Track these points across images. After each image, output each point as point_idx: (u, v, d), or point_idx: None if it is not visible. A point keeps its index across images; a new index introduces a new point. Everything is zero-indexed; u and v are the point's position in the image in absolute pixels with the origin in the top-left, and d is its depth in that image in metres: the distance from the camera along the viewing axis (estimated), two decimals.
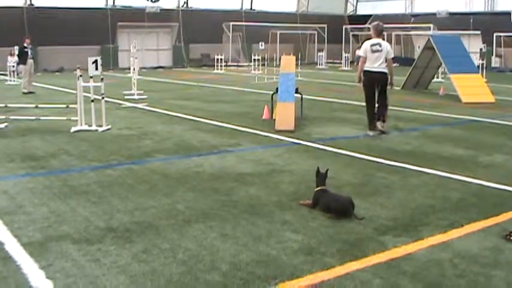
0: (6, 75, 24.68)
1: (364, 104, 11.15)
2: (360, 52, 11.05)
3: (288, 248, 4.85)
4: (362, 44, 11.12)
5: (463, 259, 4.62)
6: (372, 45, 10.71)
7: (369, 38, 11.04)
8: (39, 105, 13.35)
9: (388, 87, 10.87)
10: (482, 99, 16.34)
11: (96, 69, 11.24)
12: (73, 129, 11.08)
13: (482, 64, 23.26)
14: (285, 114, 11.53)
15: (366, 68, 10.74)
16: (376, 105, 10.86)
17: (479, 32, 34.85)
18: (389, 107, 11.31)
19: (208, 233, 5.22)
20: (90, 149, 9.37)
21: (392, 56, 11.02)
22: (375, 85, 10.75)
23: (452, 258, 4.63)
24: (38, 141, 10.10)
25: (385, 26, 12.13)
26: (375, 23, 11.25)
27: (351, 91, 19.28)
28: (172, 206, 6.11)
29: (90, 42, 32.30)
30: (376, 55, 10.66)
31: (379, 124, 10.83)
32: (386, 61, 10.70)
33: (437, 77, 22.97)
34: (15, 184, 7.04)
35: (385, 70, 10.71)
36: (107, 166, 8.10)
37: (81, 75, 11.25)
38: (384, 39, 11.18)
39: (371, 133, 10.79)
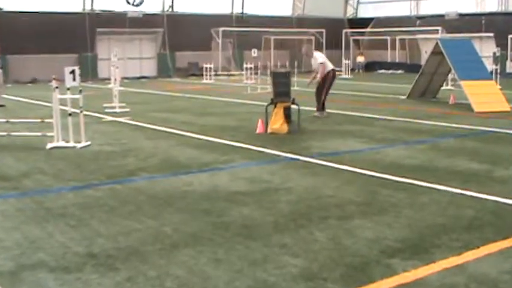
0: None
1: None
2: (320, 59, 15.41)
3: (287, 274, 4.84)
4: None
5: (480, 284, 4.62)
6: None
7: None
8: (11, 120, 13.31)
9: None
10: (496, 107, 16.41)
11: (74, 79, 11.24)
12: (49, 145, 11.07)
13: (496, 69, 23.36)
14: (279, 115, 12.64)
15: (332, 67, 15.48)
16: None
17: (492, 35, 35.11)
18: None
19: (199, 258, 5.21)
20: (67, 168, 9.35)
21: None
22: None
23: (468, 283, 4.63)
24: (9, 159, 10.07)
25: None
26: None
27: (352, 101, 19.35)
28: (159, 229, 6.10)
29: (66, 50, 32.32)
30: None
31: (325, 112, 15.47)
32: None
33: (447, 85, 23.09)
34: None
35: None
36: (87, 186, 8.08)
37: (57, 87, 11.25)
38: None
39: (322, 114, 15.31)
